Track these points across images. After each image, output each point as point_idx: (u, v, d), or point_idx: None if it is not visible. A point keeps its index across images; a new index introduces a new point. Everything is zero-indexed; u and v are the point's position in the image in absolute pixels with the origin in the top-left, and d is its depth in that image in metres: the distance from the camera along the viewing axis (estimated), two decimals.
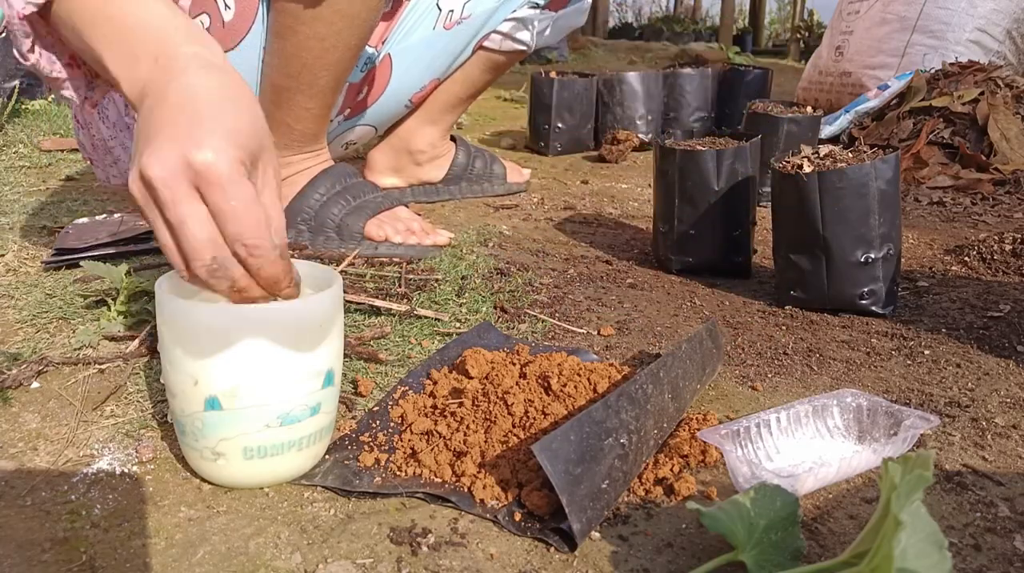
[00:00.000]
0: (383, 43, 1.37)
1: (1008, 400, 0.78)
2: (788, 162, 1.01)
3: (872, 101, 2.21)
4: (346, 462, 0.64)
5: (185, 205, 0.54)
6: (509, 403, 0.67)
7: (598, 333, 0.93)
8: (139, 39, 0.63)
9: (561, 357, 0.77)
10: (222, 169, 0.54)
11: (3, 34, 2.38)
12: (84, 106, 0.78)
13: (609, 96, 2.24)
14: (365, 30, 1.04)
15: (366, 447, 0.66)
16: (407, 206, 1.30)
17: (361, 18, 1.02)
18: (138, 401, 0.74)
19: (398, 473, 0.62)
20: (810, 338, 0.94)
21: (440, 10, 1.38)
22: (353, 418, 0.71)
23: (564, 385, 0.71)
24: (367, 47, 1.36)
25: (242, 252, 0.55)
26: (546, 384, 0.71)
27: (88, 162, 1.20)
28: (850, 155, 1.00)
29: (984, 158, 1.86)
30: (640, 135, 2.22)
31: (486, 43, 1.47)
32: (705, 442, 0.65)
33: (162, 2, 0.65)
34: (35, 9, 0.67)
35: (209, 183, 0.54)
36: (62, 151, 1.90)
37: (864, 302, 0.98)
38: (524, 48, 1.49)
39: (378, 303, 0.96)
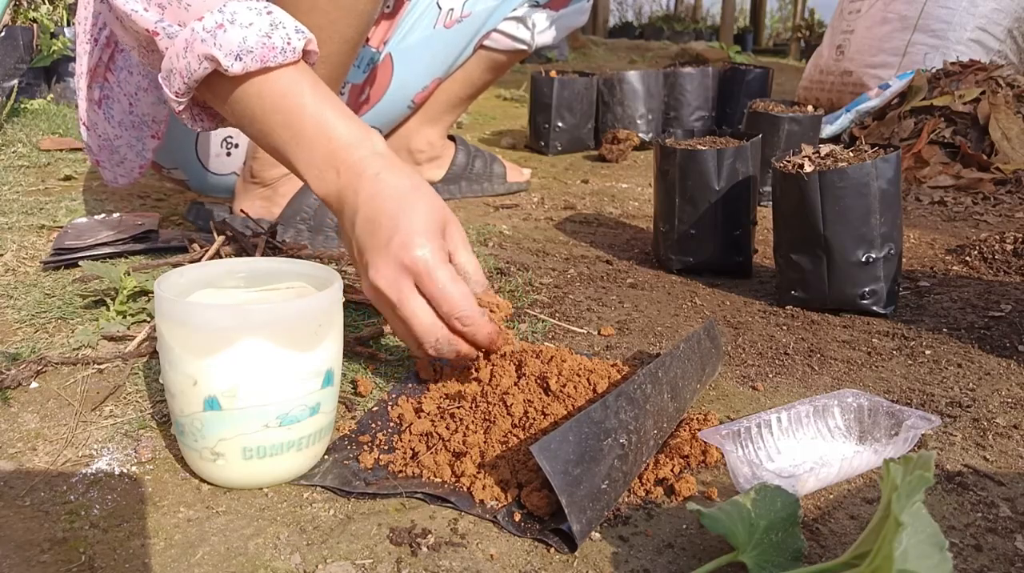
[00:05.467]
0: (384, 43, 1.37)
1: (1009, 400, 0.78)
2: (789, 161, 1.01)
3: (873, 100, 2.21)
4: (346, 462, 0.64)
5: (409, 303, 0.66)
6: (508, 404, 0.67)
7: (598, 333, 0.93)
8: (314, 146, 0.70)
9: (561, 355, 0.76)
10: (428, 260, 0.65)
11: (2, 33, 2.38)
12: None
13: (609, 95, 2.23)
14: (363, 22, 1.03)
15: (366, 447, 0.66)
16: None
17: (358, 10, 1.01)
18: (137, 401, 0.73)
19: (398, 474, 0.62)
20: (811, 338, 0.93)
21: (440, 8, 1.38)
22: (353, 418, 0.71)
23: (563, 385, 0.71)
24: (369, 47, 1.36)
25: (457, 325, 0.66)
26: (545, 384, 0.71)
27: (95, 164, 1.20)
28: (851, 154, 1.00)
29: (985, 157, 1.86)
30: (640, 134, 2.22)
31: (486, 42, 1.46)
32: (706, 442, 0.65)
33: (321, 95, 0.72)
34: (185, 104, 0.74)
35: (420, 275, 0.65)
36: (61, 150, 1.90)
37: (865, 302, 0.98)
38: (524, 47, 1.49)
39: None
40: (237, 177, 1.26)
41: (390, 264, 0.65)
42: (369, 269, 0.67)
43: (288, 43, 0.71)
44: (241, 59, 0.69)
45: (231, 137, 1.24)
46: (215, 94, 0.73)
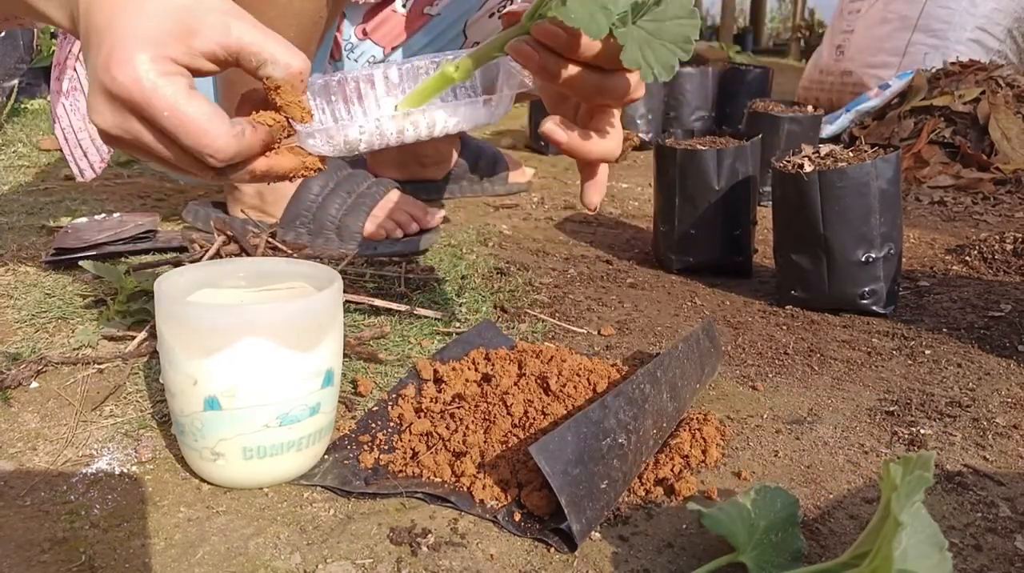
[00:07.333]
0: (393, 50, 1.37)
1: (1009, 400, 0.78)
2: (789, 161, 1.01)
3: (873, 100, 2.21)
4: (345, 462, 0.64)
5: (142, 149, 0.50)
6: (508, 404, 0.67)
7: (598, 333, 0.93)
8: None
9: (561, 355, 0.77)
10: (140, 84, 0.47)
11: (2, 33, 2.38)
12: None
13: None
14: (303, 22, 0.99)
15: (365, 447, 0.66)
16: (400, 189, 1.28)
17: (294, 9, 0.96)
18: (137, 401, 0.73)
19: (398, 473, 0.62)
20: (811, 338, 0.93)
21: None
22: (353, 418, 0.71)
23: (563, 385, 0.71)
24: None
25: (211, 162, 0.50)
26: (545, 384, 0.71)
27: (68, 158, 1.20)
28: (851, 154, 1.00)
29: (985, 157, 1.86)
30: (640, 134, 2.22)
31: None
32: (706, 442, 0.65)
33: None
34: None
35: (136, 106, 0.48)
36: (61, 150, 1.90)
37: (865, 302, 0.98)
38: None
39: (378, 303, 0.96)
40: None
41: (99, 96, 0.49)
42: (89, 111, 0.50)
43: None
44: None
45: None
46: None
